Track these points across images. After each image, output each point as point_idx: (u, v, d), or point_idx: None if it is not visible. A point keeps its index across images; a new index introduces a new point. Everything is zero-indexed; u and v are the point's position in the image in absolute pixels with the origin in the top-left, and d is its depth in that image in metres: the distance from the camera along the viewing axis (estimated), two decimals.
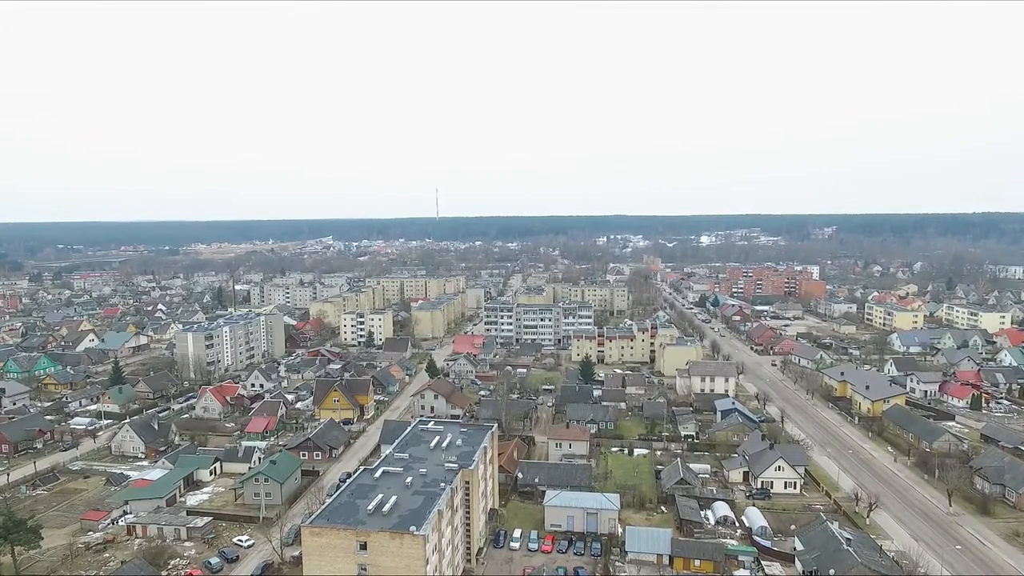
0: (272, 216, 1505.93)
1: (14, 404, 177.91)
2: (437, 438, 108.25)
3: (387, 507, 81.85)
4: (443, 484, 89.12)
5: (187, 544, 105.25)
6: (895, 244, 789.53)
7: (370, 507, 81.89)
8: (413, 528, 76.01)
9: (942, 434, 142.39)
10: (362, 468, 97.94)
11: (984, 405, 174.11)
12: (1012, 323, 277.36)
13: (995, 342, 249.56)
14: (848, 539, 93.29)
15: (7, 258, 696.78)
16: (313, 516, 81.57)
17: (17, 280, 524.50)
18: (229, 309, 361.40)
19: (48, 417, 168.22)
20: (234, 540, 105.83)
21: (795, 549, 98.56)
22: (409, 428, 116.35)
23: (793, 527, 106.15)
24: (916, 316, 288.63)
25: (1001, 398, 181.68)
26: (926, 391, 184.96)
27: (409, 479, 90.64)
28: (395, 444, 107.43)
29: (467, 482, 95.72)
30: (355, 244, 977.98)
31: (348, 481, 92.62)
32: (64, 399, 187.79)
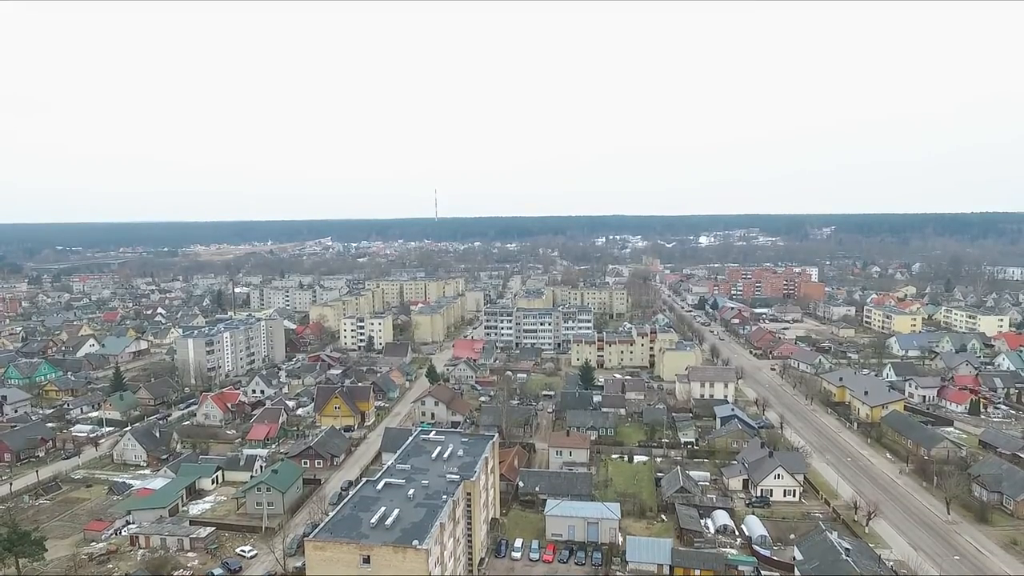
0: (270, 217, 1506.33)
1: (16, 412, 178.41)
2: (439, 448, 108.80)
3: (390, 520, 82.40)
4: (445, 496, 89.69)
5: (190, 554, 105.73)
6: (893, 244, 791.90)
7: (373, 520, 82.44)
8: (416, 542, 76.59)
9: (940, 440, 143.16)
10: (365, 480, 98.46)
11: (982, 410, 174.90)
12: (1010, 326, 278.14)
13: (993, 345, 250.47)
14: (847, 549, 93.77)
15: (6, 260, 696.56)
16: (316, 530, 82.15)
17: (16, 283, 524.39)
18: (229, 313, 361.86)
19: (50, 424, 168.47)
20: (237, 550, 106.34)
21: (794, 559, 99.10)
22: (411, 438, 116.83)
23: (792, 536, 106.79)
24: (915, 319, 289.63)
25: (999, 403, 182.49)
26: (924, 396, 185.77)
27: (411, 491, 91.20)
28: (397, 455, 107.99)
29: (469, 493, 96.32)
30: (354, 245, 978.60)
31: (351, 494, 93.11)
32: (65, 406, 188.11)
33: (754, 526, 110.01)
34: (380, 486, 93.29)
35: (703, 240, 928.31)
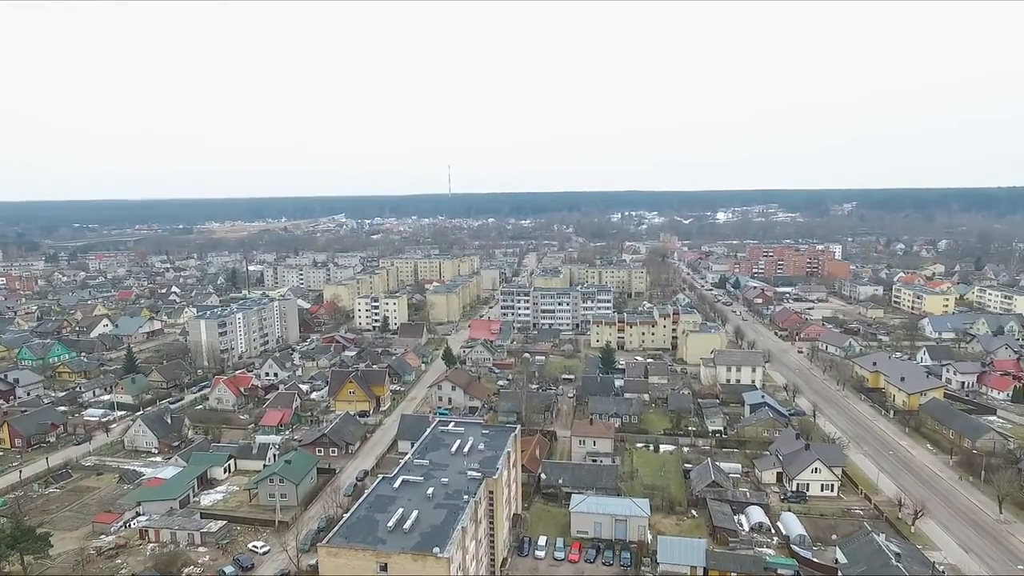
0: (284, 193, 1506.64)
1: (28, 395, 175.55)
2: (458, 441, 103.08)
3: (408, 523, 77.01)
4: (466, 496, 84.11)
5: (201, 549, 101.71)
6: (918, 220, 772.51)
7: (390, 523, 77.07)
8: (436, 549, 71.22)
9: (986, 431, 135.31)
10: (381, 477, 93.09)
11: None
12: None
13: None
14: (897, 553, 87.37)
15: (24, 238, 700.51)
16: (331, 534, 76.98)
17: (33, 261, 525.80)
18: (243, 291, 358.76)
19: (61, 408, 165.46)
20: (249, 546, 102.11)
21: (837, 562, 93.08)
22: (429, 429, 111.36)
23: (834, 536, 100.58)
24: (947, 299, 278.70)
25: None
26: (964, 382, 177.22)
27: (430, 490, 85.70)
28: (414, 448, 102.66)
29: (491, 491, 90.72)
30: (368, 222, 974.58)
31: (367, 492, 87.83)
32: (78, 388, 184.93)
33: (792, 524, 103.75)
34: (397, 484, 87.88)
35: (721, 216, 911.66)
